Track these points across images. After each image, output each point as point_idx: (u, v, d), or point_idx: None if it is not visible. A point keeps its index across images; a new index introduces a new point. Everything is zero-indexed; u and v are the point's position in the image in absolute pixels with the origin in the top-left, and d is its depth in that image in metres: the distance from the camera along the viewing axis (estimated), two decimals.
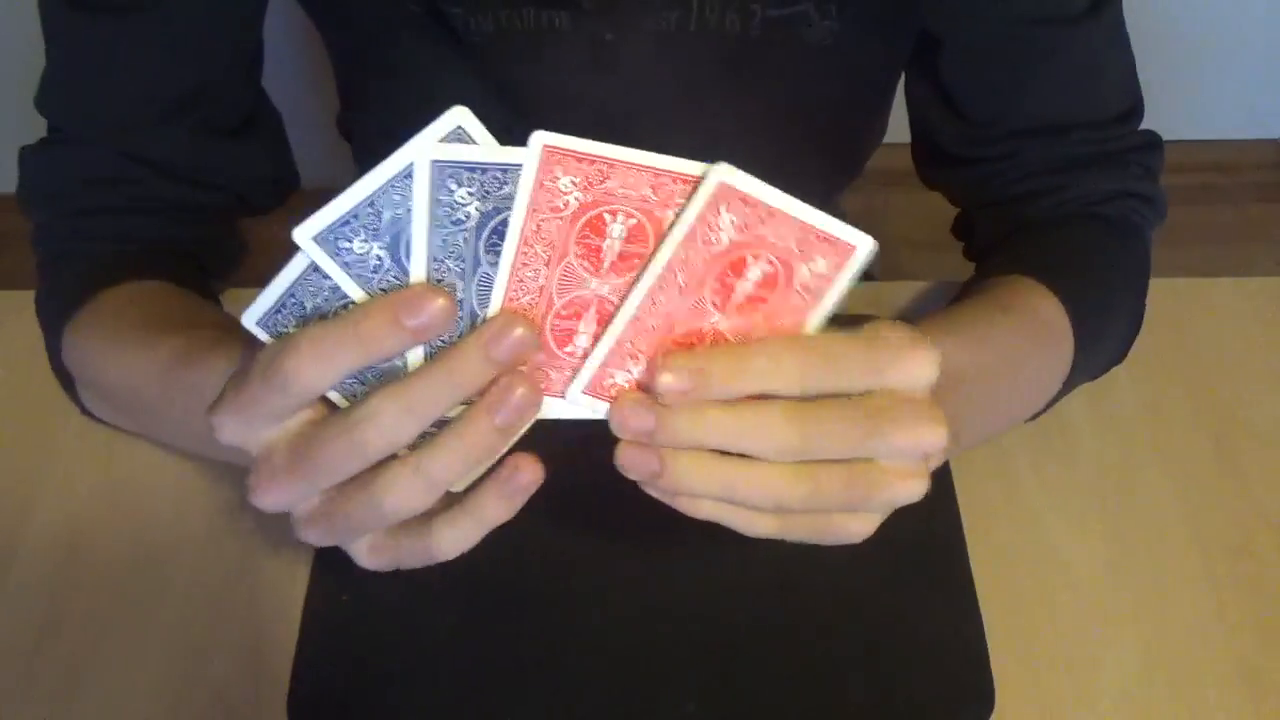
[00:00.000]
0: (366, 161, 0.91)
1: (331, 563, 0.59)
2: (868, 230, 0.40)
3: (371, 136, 0.83)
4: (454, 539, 0.44)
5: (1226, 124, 1.90)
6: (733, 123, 0.72)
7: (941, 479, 0.62)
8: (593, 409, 0.42)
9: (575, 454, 0.62)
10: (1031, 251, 0.65)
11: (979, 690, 0.55)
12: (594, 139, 0.44)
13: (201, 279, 0.67)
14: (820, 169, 0.82)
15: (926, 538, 0.60)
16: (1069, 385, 0.62)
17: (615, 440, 0.41)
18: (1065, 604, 0.59)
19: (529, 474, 0.42)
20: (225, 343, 0.52)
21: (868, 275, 0.41)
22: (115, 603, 0.58)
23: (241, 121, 0.69)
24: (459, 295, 0.42)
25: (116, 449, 0.65)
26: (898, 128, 0.85)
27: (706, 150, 0.50)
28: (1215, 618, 0.58)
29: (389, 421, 0.39)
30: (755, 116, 0.72)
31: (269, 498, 0.43)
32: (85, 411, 0.65)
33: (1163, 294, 0.73)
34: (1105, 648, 0.57)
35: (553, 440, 0.63)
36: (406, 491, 0.41)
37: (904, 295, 0.72)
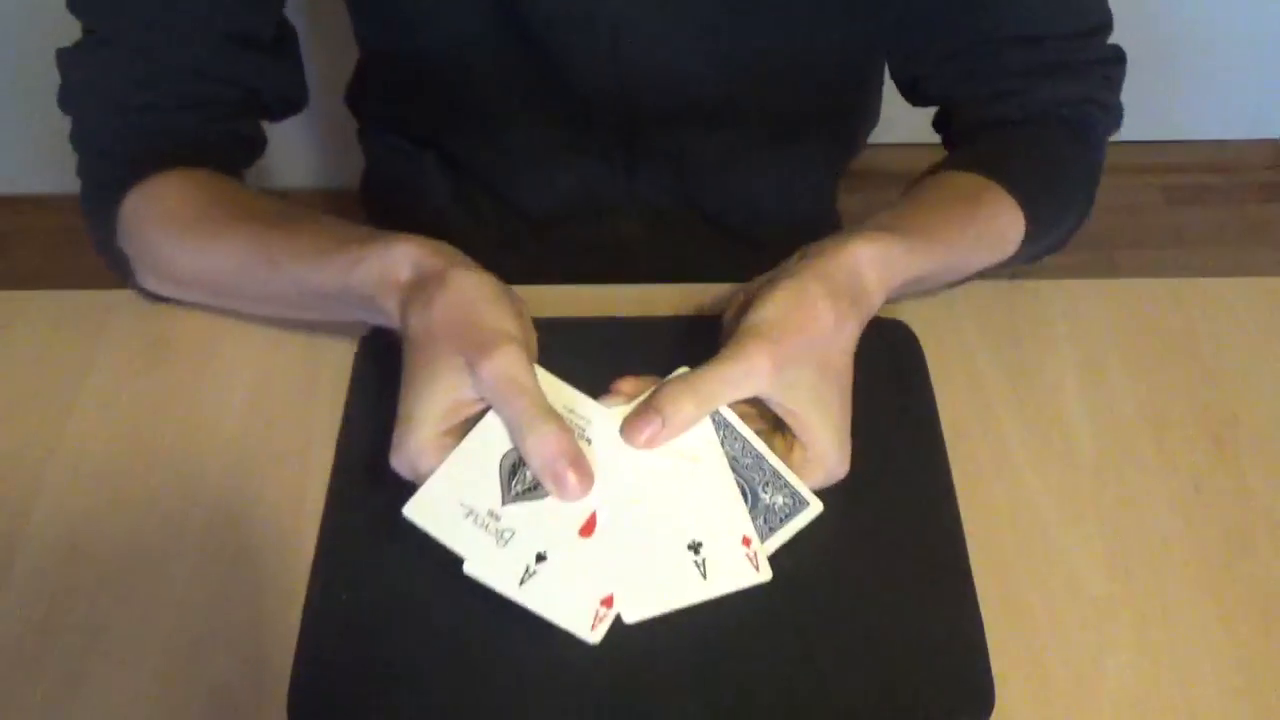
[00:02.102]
0: (372, 139, 0.91)
1: (331, 563, 0.59)
2: None
3: (383, 93, 0.85)
4: None
5: (1226, 124, 1.90)
6: (737, 60, 0.74)
7: (941, 479, 0.62)
8: None
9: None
10: (996, 152, 0.72)
11: (979, 690, 0.55)
12: (603, 70, 0.70)
13: (233, 170, 0.72)
14: (821, 128, 0.83)
15: (926, 538, 0.60)
16: (1010, 264, 0.70)
17: None
18: (1065, 604, 0.59)
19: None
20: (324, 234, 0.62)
21: None
22: (115, 603, 0.58)
23: (269, 37, 0.72)
24: None
25: (117, 449, 0.65)
26: (898, 128, 0.86)
27: (711, 92, 0.73)
28: (1215, 618, 0.58)
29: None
30: (757, 50, 0.74)
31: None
32: (138, 288, 0.70)
33: (1163, 294, 0.73)
34: (1105, 648, 0.57)
35: None
36: None
37: (902, 295, 0.72)
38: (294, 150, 1.81)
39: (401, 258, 0.56)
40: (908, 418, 0.65)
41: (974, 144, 0.75)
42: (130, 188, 0.67)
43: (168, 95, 0.69)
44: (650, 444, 0.55)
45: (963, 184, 0.69)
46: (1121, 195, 1.85)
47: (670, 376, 0.56)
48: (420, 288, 0.55)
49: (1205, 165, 1.90)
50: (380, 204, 0.97)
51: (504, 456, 0.54)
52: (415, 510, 0.53)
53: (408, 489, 0.54)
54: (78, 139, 0.71)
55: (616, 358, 0.65)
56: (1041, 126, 0.73)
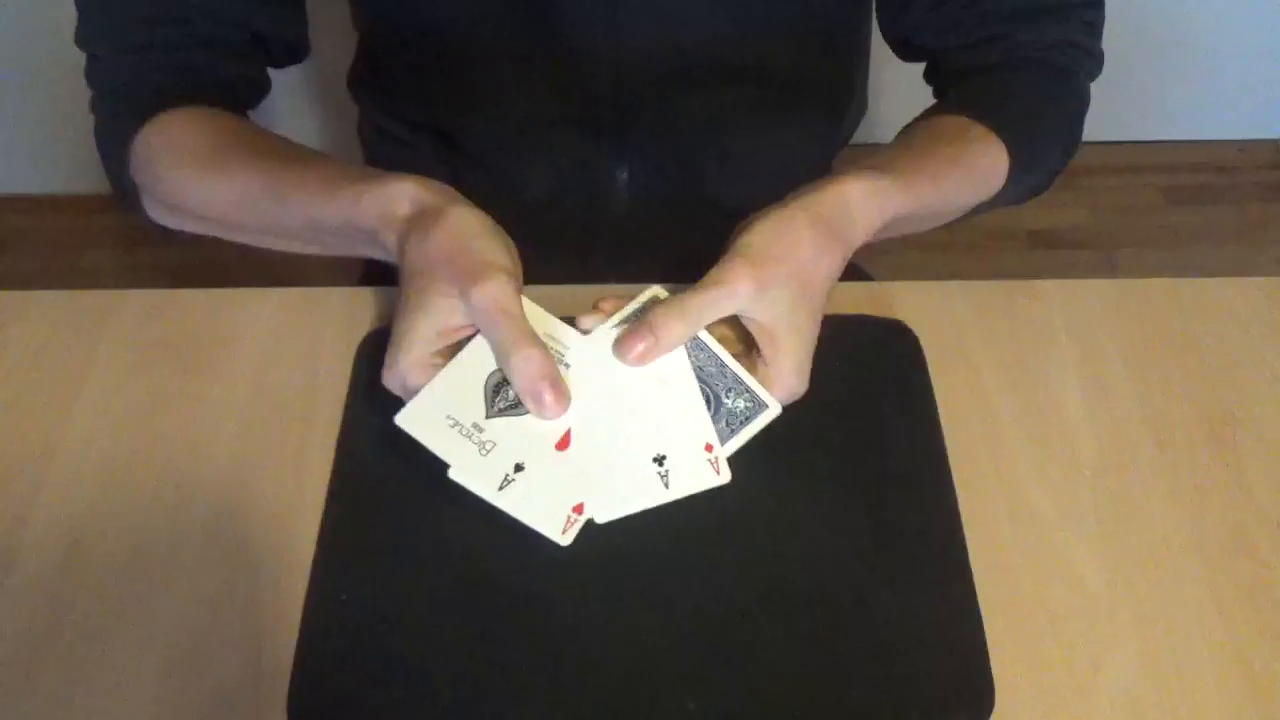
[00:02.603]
0: (369, 128, 0.91)
1: (332, 563, 0.59)
2: None
3: (381, 75, 0.86)
4: None
5: (1226, 124, 1.90)
6: (728, 15, 0.75)
7: (941, 479, 0.62)
8: None
9: None
10: (981, 94, 0.75)
11: (979, 690, 0.55)
12: (599, 26, 0.73)
13: (240, 109, 0.75)
14: (812, 92, 0.84)
15: (926, 538, 0.60)
16: (995, 204, 0.73)
17: None
18: (1065, 604, 0.59)
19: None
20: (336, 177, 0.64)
21: (866, 276, 0.44)
22: (115, 603, 0.58)
23: None
24: None
25: (117, 449, 0.65)
26: (894, 127, 0.85)
27: (703, 48, 0.75)
28: (1215, 618, 0.58)
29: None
30: (752, 29, 0.76)
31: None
32: (148, 220, 0.73)
33: (1163, 294, 0.73)
34: (1105, 648, 0.57)
35: None
36: None
37: (904, 295, 0.72)
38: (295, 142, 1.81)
39: (401, 194, 0.61)
40: (908, 418, 0.65)
41: (965, 86, 0.77)
42: (143, 123, 0.70)
43: (175, 34, 0.72)
44: (642, 360, 0.59)
45: (949, 125, 0.71)
46: (1121, 195, 1.85)
47: (645, 294, 0.62)
48: (418, 221, 0.59)
49: (1205, 165, 1.90)
50: None
51: (489, 376, 0.58)
52: (406, 419, 0.57)
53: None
54: (91, 75, 0.74)
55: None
56: (1025, 69, 0.76)
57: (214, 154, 0.69)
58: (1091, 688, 0.56)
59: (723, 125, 0.82)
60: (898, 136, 0.73)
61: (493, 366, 0.58)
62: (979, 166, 0.70)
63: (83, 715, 0.55)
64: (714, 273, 0.58)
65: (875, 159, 0.66)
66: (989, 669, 0.55)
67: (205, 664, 0.56)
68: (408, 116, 0.87)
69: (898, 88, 0.81)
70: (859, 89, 0.89)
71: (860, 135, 0.92)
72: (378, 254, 0.63)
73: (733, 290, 0.57)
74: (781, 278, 0.58)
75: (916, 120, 0.74)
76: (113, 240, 1.74)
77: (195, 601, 0.58)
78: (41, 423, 0.66)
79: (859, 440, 0.64)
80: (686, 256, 0.73)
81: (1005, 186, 0.71)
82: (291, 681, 0.55)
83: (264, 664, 0.56)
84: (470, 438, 0.56)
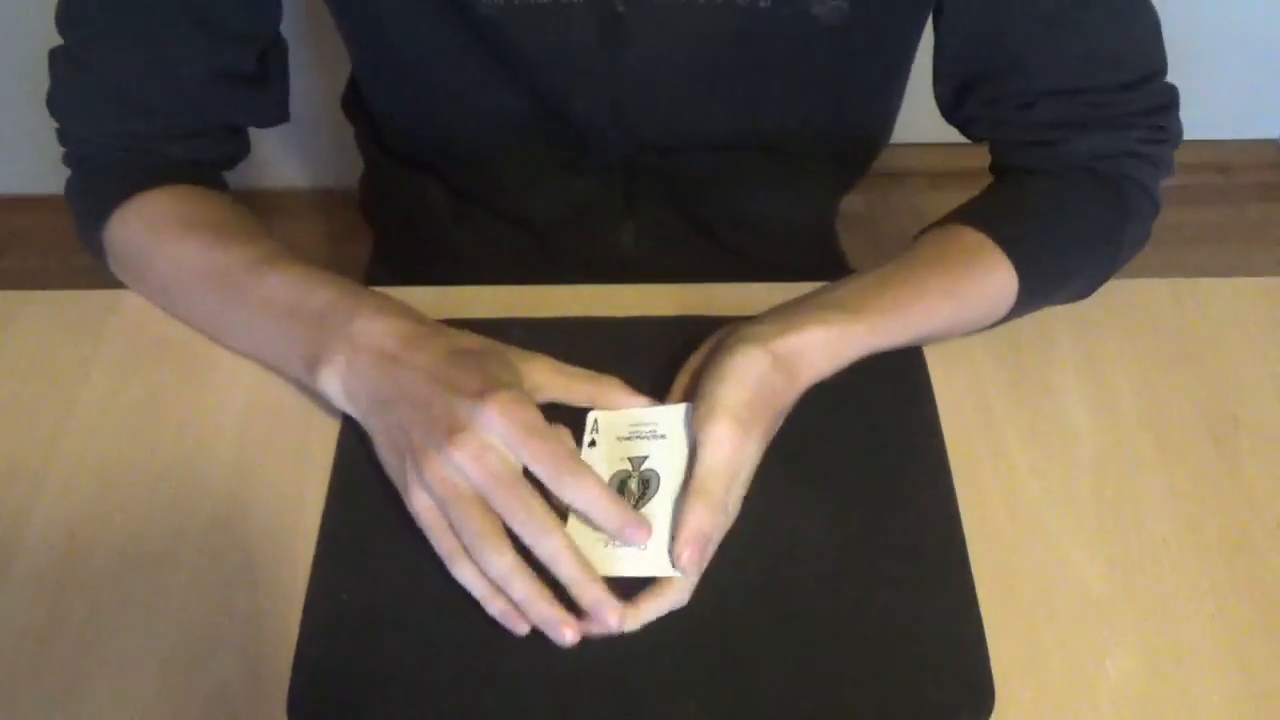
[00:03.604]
0: (370, 145, 0.91)
1: (332, 563, 0.59)
2: (867, 229, 0.41)
3: (378, 114, 0.85)
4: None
5: (1226, 124, 1.90)
6: (743, 102, 0.73)
7: (941, 479, 0.62)
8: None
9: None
10: (1006, 205, 0.71)
11: (979, 690, 0.55)
12: (602, 112, 0.69)
13: (217, 179, 0.76)
14: (829, 157, 0.83)
15: (926, 538, 0.60)
16: (1009, 319, 0.69)
17: None
18: (1065, 604, 0.59)
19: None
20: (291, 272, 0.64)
21: None
22: (115, 603, 0.58)
23: (251, 71, 0.74)
24: None
25: (117, 449, 0.65)
26: (898, 129, 0.85)
27: (715, 129, 0.71)
28: (1215, 618, 0.58)
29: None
30: (765, 97, 0.74)
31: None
32: (112, 273, 0.74)
33: (1163, 294, 0.73)
34: (1105, 648, 0.57)
35: None
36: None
37: None
38: (294, 150, 1.81)
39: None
40: (908, 419, 0.65)
41: (992, 190, 0.74)
42: (119, 204, 0.70)
43: (151, 126, 0.72)
44: (703, 559, 0.55)
45: (958, 245, 0.67)
46: None
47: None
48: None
49: (1205, 165, 1.90)
50: (378, 211, 0.96)
51: (610, 484, 0.57)
52: None
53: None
54: (64, 139, 0.74)
55: (616, 358, 0.65)
56: (1068, 177, 0.72)
57: (191, 231, 0.68)
58: (1091, 688, 0.56)
59: (728, 185, 0.82)
60: (914, 240, 0.70)
61: (606, 474, 0.58)
62: (979, 295, 0.66)
63: (82, 715, 0.55)
64: (706, 435, 0.55)
65: (864, 285, 0.63)
66: (989, 669, 0.55)
67: (205, 664, 0.56)
68: (403, 155, 0.86)
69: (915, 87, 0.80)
70: (883, 139, 0.86)
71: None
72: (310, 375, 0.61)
73: (734, 450, 0.55)
74: (758, 430, 0.56)
75: (935, 227, 0.70)
76: None
77: (195, 601, 0.58)
78: (41, 423, 0.66)
79: (859, 441, 0.64)
80: (691, 282, 0.73)
81: (1015, 308, 0.67)
82: (291, 681, 0.55)
83: (264, 664, 0.56)
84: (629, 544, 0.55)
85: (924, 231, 0.71)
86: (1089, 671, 0.56)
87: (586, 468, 0.54)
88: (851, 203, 0.95)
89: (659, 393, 0.63)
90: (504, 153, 0.79)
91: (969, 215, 0.69)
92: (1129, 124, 0.72)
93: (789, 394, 0.58)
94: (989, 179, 0.77)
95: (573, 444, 0.58)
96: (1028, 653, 0.57)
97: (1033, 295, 0.67)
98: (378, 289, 0.64)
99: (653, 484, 0.57)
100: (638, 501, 0.57)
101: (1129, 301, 0.73)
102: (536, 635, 0.55)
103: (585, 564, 0.53)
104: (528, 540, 0.53)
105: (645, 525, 0.54)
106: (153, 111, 0.71)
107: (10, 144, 1.75)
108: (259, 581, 0.59)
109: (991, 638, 0.56)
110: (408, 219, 0.91)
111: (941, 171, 0.76)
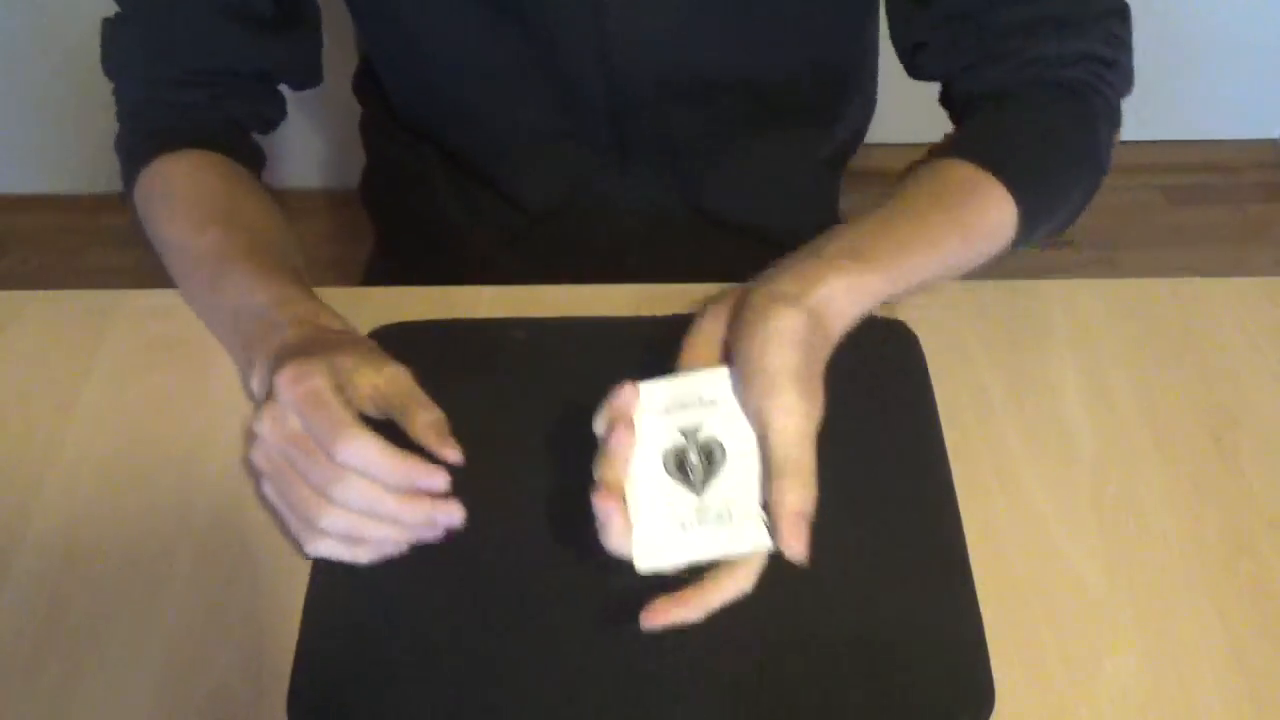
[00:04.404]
0: (374, 130, 0.92)
1: (332, 563, 0.59)
2: None
3: (384, 82, 0.86)
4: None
5: (1226, 124, 1.90)
6: (727, 41, 0.75)
7: (941, 479, 0.62)
8: None
9: (574, 457, 0.62)
10: (990, 134, 0.70)
11: (979, 690, 0.55)
12: (588, 61, 0.72)
13: (247, 142, 0.78)
14: (813, 101, 0.83)
15: (926, 538, 0.60)
16: (1008, 251, 0.67)
17: None
18: (1065, 604, 0.59)
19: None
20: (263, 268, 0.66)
21: None
22: (115, 603, 0.58)
23: (269, 15, 0.76)
24: None
25: (117, 449, 0.65)
26: (897, 128, 0.86)
27: (699, 71, 0.73)
28: (1215, 617, 0.58)
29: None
30: (748, 33, 0.75)
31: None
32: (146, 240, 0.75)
33: (1163, 294, 0.73)
34: (1105, 648, 0.57)
35: (551, 444, 0.64)
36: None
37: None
38: (296, 150, 1.81)
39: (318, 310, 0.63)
40: (908, 418, 0.65)
41: (972, 122, 0.73)
42: (147, 162, 0.73)
43: (178, 71, 0.75)
44: (805, 541, 0.52)
45: (953, 179, 0.66)
46: (1121, 195, 1.85)
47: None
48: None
49: (1205, 165, 1.90)
50: (380, 201, 0.97)
51: (664, 459, 0.54)
52: (649, 558, 0.53)
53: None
54: (117, 98, 0.78)
55: (616, 358, 0.65)
56: (1040, 96, 0.71)
57: (189, 211, 0.70)
58: (1091, 688, 0.56)
59: (716, 136, 0.82)
60: (900, 181, 0.68)
61: (658, 452, 0.54)
62: (983, 226, 0.65)
63: (82, 715, 0.55)
64: (773, 419, 0.53)
65: (868, 231, 0.61)
66: (989, 669, 0.55)
67: (205, 664, 0.56)
68: (408, 127, 0.87)
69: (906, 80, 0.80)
70: (859, 94, 0.88)
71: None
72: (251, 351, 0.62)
73: (803, 422, 0.53)
74: (818, 392, 0.55)
75: (920, 162, 0.69)
76: (113, 240, 1.73)
77: (195, 601, 0.58)
78: (41, 423, 0.66)
79: (859, 441, 0.64)
80: (688, 264, 0.73)
81: (1017, 236, 0.66)
82: (291, 681, 0.55)
83: (264, 664, 0.56)
84: (710, 522, 0.53)
85: (911, 169, 0.69)
86: (1089, 671, 0.56)
87: (361, 430, 0.55)
88: (852, 203, 0.95)
89: None
90: (498, 119, 0.80)
91: (957, 148, 0.68)
92: (1084, 28, 0.71)
93: (827, 349, 0.57)
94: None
95: (345, 415, 0.56)
96: (1028, 653, 0.57)
97: (1032, 221, 0.66)
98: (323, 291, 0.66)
99: (717, 455, 0.54)
100: (706, 476, 0.54)
101: (1129, 301, 0.73)
102: (536, 635, 0.55)
103: (377, 492, 0.55)
104: (324, 490, 0.55)
105: (438, 471, 0.55)
106: (173, 51, 0.74)
107: (10, 144, 1.75)
108: (259, 581, 0.59)
109: (991, 638, 0.56)
110: (408, 206, 0.91)
111: None
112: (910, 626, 0.57)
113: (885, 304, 0.60)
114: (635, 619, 0.56)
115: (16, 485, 0.63)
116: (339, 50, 0.83)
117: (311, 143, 1.80)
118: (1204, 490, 0.63)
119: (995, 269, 0.69)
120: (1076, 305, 0.72)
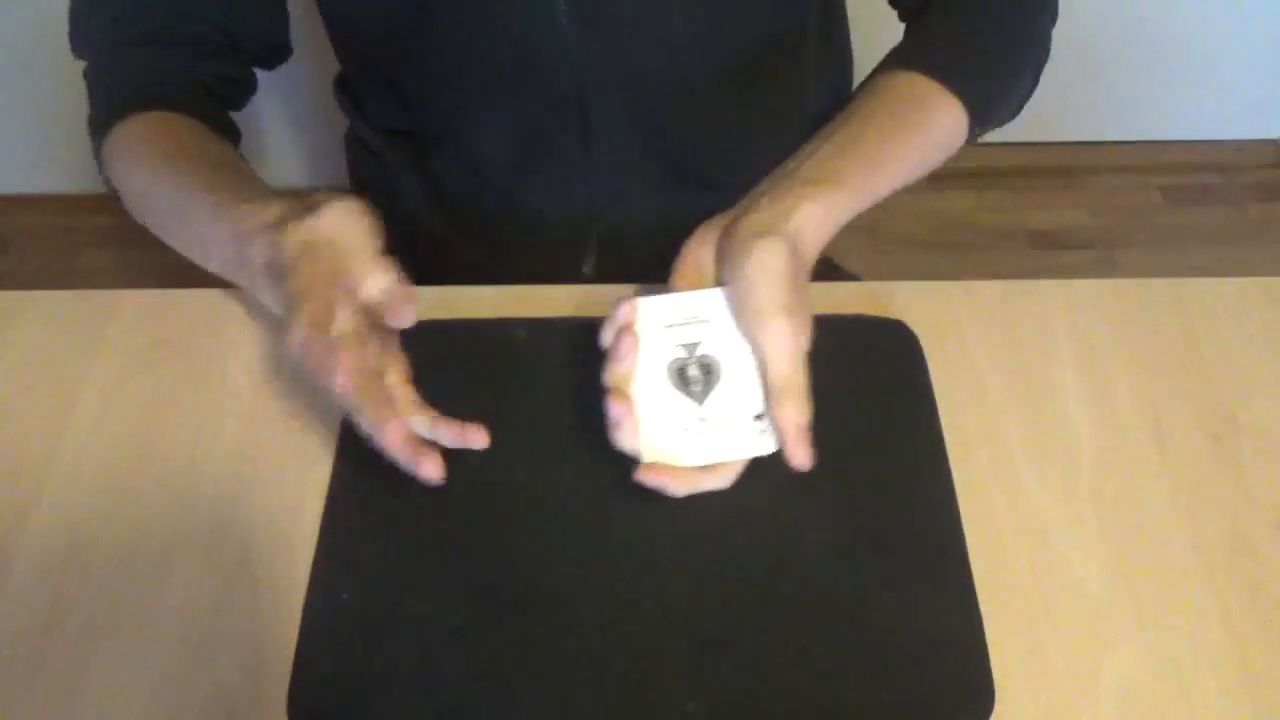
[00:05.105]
0: (352, 136, 0.90)
1: (332, 563, 0.59)
2: (868, 233, 0.41)
3: (347, 68, 0.87)
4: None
5: (1226, 124, 1.90)
6: (698, 11, 0.75)
7: (941, 479, 0.62)
8: None
9: (574, 457, 0.62)
10: (936, 41, 0.75)
11: (979, 690, 0.55)
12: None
13: (216, 110, 0.77)
14: (776, 77, 0.82)
15: (926, 538, 0.60)
16: (966, 143, 0.74)
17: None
18: (1065, 604, 0.59)
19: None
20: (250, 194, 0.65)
21: (851, 276, 0.44)
22: (115, 603, 0.58)
23: None
24: None
25: (117, 449, 0.65)
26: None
27: (672, 43, 0.74)
28: (1215, 618, 0.58)
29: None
30: (711, 9, 0.75)
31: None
32: (131, 213, 0.74)
33: (1163, 294, 0.73)
34: (1105, 648, 0.57)
35: (551, 444, 0.64)
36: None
37: (904, 295, 0.72)
38: (287, 150, 1.81)
39: (273, 204, 0.62)
40: (908, 418, 0.65)
41: (919, 28, 0.77)
42: (115, 124, 0.73)
43: (149, 33, 0.75)
44: (809, 450, 0.58)
45: (906, 93, 0.71)
46: (1121, 195, 1.85)
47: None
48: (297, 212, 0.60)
49: (1205, 165, 1.90)
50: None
51: (668, 370, 0.60)
52: (652, 456, 0.58)
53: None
54: (85, 78, 0.77)
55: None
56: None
57: (155, 163, 0.71)
58: (1091, 688, 0.56)
59: (685, 99, 0.80)
60: (854, 100, 0.73)
61: (661, 365, 0.60)
62: (937, 134, 0.71)
63: (82, 715, 0.55)
64: (766, 342, 0.59)
65: (834, 154, 0.66)
66: (989, 669, 0.55)
67: (205, 664, 0.56)
68: (379, 123, 0.86)
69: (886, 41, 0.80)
70: (835, 48, 0.88)
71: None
72: (245, 272, 0.63)
73: (795, 345, 0.59)
74: (804, 315, 0.60)
75: (876, 75, 0.74)
76: (113, 240, 1.74)
77: (195, 601, 0.58)
78: (41, 423, 0.66)
79: (859, 440, 0.64)
80: (662, 228, 0.73)
81: (970, 136, 0.72)
82: (291, 681, 0.55)
83: (264, 664, 0.56)
84: (711, 430, 0.59)
85: (863, 83, 0.74)
86: (1089, 671, 0.56)
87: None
88: None
89: None
90: (465, 89, 0.79)
91: (908, 59, 0.73)
92: None
93: (805, 274, 0.62)
94: (990, 181, 0.77)
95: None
96: (1028, 653, 0.57)
97: (983, 119, 0.72)
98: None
99: (714, 369, 0.60)
100: (705, 388, 0.60)
101: (1129, 301, 0.73)
102: (536, 635, 0.55)
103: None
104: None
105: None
106: (137, 11, 0.75)
107: (10, 144, 1.75)
108: (259, 582, 0.59)
109: (991, 638, 0.56)
110: (389, 218, 0.91)
111: (942, 173, 0.75)
112: (910, 626, 0.57)
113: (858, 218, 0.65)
114: (634, 620, 0.57)
115: (16, 485, 0.63)
116: (327, 52, 0.83)
117: (310, 143, 1.80)
118: (1204, 490, 0.63)
119: (996, 269, 0.69)
120: (1076, 305, 0.72)
